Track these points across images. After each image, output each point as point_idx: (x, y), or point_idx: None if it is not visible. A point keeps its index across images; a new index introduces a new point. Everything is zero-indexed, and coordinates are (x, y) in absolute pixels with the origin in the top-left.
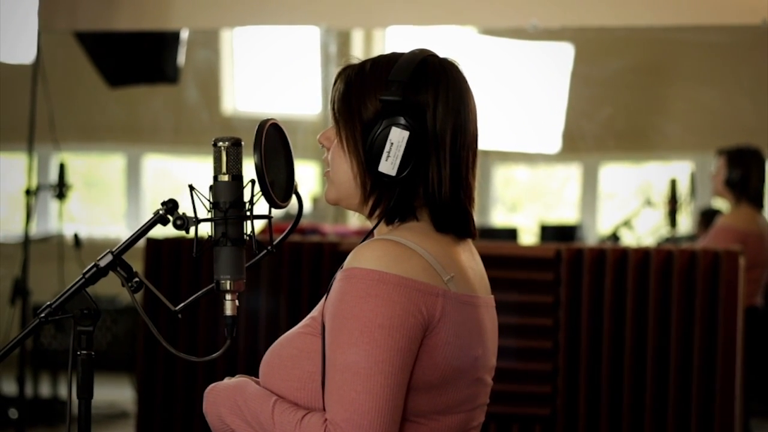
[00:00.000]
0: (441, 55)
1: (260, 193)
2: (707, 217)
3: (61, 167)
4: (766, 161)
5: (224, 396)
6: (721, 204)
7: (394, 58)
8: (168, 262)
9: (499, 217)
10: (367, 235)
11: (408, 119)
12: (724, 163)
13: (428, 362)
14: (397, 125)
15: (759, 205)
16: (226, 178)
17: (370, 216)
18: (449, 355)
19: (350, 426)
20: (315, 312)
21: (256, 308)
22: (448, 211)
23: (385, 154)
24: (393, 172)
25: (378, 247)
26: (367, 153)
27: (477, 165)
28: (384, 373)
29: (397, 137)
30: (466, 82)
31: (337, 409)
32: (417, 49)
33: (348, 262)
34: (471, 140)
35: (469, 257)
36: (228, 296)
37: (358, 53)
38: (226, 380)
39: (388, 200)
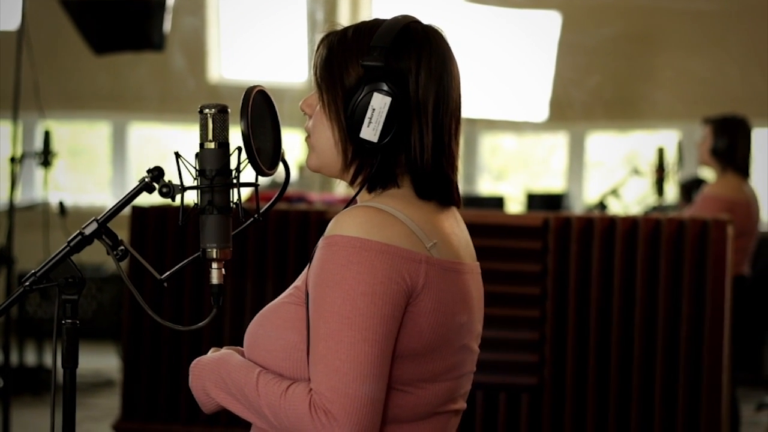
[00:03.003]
0: (425, 22)
1: (247, 160)
2: (688, 188)
3: (46, 135)
4: (752, 130)
5: (208, 370)
6: (707, 173)
7: (377, 24)
8: (153, 230)
9: (485, 186)
10: (349, 202)
11: (390, 85)
12: (710, 132)
13: (413, 330)
14: (379, 91)
15: (745, 174)
16: (212, 145)
17: (352, 183)
18: (434, 322)
19: (336, 395)
20: (299, 281)
21: (242, 277)
22: (430, 178)
23: (366, 120)
24: (375, 139)
25: (359, 214)
26: (348, 119)
27: (460, 133)
28: (368, 340)
29: (379, 103)
30: (449, 48)
31: (322, 378)
32: (400, 16)
33: (329, 229)
34: (454, 107)
35: (453, 224)
36: (214, 264)
37: (344, 20)
38: (211, 353)
39: (369, 167)
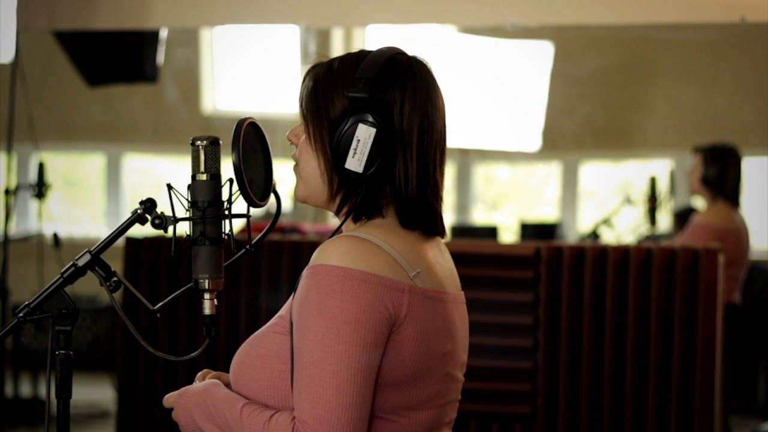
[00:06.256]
0: (410, 53)
1: (238, 192)
2: (682, 217)
3: (41, 167)
4: (742, 159)
5: (195, 400)
6: (699, 202)
7: (362, 55)
8: (147, 261)
9: (479, 216)
10: (335, 232)
11: (375, 116)
12: (701, 161)
13: (396, 358)
14: (364, 122)
15: (735, 203)
16: (204, 177)
17: (337, 213)
18: (417, 350)
19: (318, 423)
20: (283, 311)
21: (235, 307)
22: (415, 208)
23: (351, 151)
24: (360, 169)
25: (343, 244)
26: (334, 150)
27: (445, 163)
28: (350, 369)
29: (364, 134)
30: (434, 80)
31: (305, 406)
32: (385, 47)
33: (313, 259)
34: (438, 138)
35: (437, 253)
36: (206, 295)
37: (337, 52)
38: (196, 384)
39: (355, 197)
